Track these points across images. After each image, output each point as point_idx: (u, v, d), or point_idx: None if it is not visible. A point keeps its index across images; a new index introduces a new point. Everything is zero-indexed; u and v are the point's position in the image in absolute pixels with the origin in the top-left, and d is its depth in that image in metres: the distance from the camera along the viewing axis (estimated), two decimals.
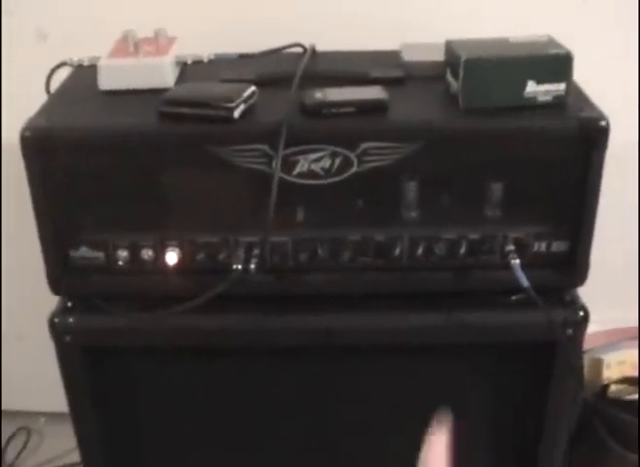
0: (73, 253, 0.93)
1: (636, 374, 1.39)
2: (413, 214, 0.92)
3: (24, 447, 1.69)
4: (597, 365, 1.45)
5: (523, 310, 0.94)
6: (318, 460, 1.09)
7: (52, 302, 0.99)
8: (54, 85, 1.01)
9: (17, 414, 1.71)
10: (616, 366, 1.42)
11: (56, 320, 0.96)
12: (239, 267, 0.90)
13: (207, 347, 0.98)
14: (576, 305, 0.97)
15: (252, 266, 0.90)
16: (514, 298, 0.95)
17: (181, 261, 0.92)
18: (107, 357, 1.00)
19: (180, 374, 1.02)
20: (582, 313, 0.96)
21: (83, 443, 1.07)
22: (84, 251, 0.93)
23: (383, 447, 1.07)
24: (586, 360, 1.38)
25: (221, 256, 0.92)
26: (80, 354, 0.97)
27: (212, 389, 1.04)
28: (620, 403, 1.37)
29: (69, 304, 0.97)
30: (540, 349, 0.98)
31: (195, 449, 1.08)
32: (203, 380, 1.03)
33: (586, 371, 1.37)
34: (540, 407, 1.02)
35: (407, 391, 1.04)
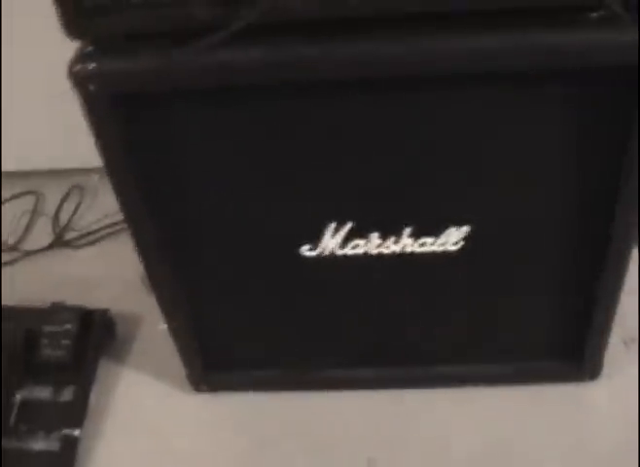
0: None
1: None
2: None
3: (78, 205, 1.68)
4: None
5: (606, 29, 0.81)
6: (374, 199, 1.01)
7: None
8: None
9: (69, 173, 1.69)
10: None
11: (77, 68, 0.86)
12: None
13: (244, 87, 0.88)
14: None
15: None
16: (594, 14, 0.81)
17: None
18: (139, 107, 0.90)
19: (220, 120, 0.92)
20: None
21: (126, 205, 1.00)
22: None
23: (441, 187, 0.99)
24: None
25: None
26: (107, 104, 0.88)
27: (254, 135, 0.94)
28: None
29: (89, 48, 0.86)
30: (623, 78, 0.85)
31: (238, 200, 1.01)
32: (242, 126, 0.93)
33: None
34: (621, 150, 0.92)
35: (472, 132, 0.93)
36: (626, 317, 1.16)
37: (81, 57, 0.86)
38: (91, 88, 0.86)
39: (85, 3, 0.82)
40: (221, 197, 1.01)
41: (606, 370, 1.23)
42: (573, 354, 1.20)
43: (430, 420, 1.23)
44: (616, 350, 1.24)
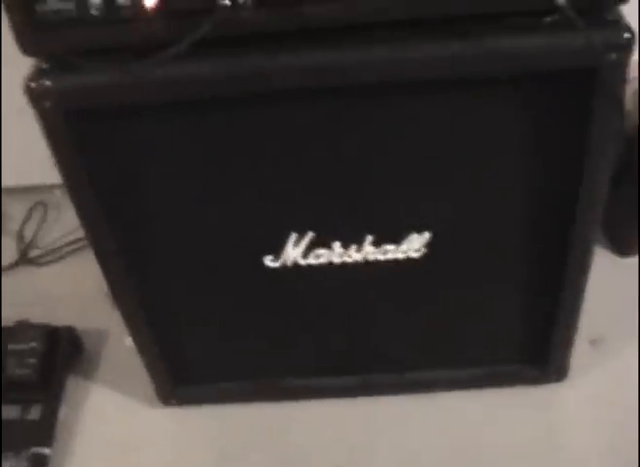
0: (39, 7, 0.81)
1: None
2: None
3: (42, 222, 1.67)
4: (637, 96, 1.34)
5: (560, 33, 0.82)
6: (335, 208, 1.02)
7: None
8: None
9: (31, 189, 1.68)
10: None
11: (33, 85, 0.85)
12: (227, 2, 0.77)
13: (202, 98, 0.88)
14: (620, 25, 0.83)
15: (241, 0, 0.77)
16: (548, 19, 0.82)
17: (160, 2, 0.80)
18: (94, 122, 0.90)
19: (176, 133, 0.93)
20: (627, 35, 0.83)
21: (86, 220, 1.00)
22: (52, 3, 0.81)
23: (400, 194, 1.00)
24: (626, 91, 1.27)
25: None
26: (63, 120, 0.87)
27: (212, 146, 0.94)
28: None
29: (44, 65, 0.86)
30: (578, 80, 0.86)
31: (199, 207, 1.01)
32: (200, 138, 0.93)
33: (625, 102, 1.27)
34: (579, 150, 0.92)
35: (429, 138, 0.94)
36: (592, 318, 1.16)
37: (36, 74, 0.86)
38: (47, 104, 0.86)
39: (38, 20, 0.81)
40: (181, 210, 1.01)
41: (573, 371, 1.24)
42: (539, 357, 1.21)
43: (399, 427, 1.23)
44: (582, 351, 1.25)
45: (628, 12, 0.85)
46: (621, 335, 1.32)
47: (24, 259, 1.59)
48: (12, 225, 1.67)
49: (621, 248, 1.46)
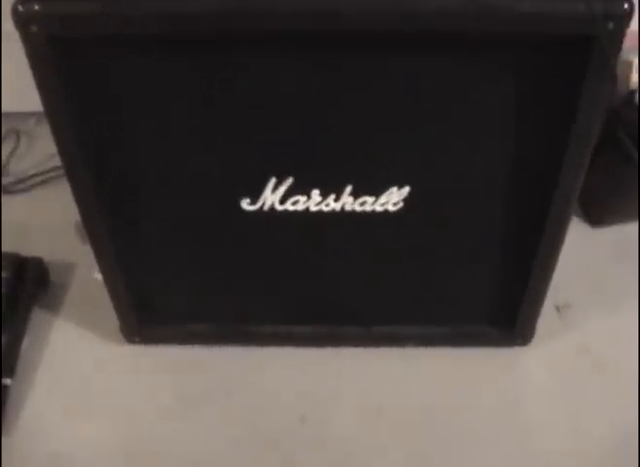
0: None
1: None
2: None
3: (14, 150, 1.64)
4: (627, 68, 1.34)
5: None
6: (316, 156, 1.01)
7: None
8: None
9: (4, 116, 1.64)
10: None
11: (20, 8, 0.83)
12: None
13: (187, 36, 0.87)
14: None
15: None
16: None
17: None
18: (80, 51, 0.88)
19: (163, 71, 0.91)
20: (626, 5, 0.82)
21: (64, 151, 0.98)
22: None
23: (383, 147, 0.99)
24: None
25: None
26: (48, 46, 0.85)
27: (195, 86, 0.93)
28: None
29: None
30: (574, 47, 0.86)
31: (177, 151, 1.00)
32: (182, 77, 0.92)
33: None
34: (566, 118, 0.92)
35: (415, 93, 0.93)
36: (560, 284, 1.17)
37: None
38: (33, 28, 0.84)
39: None
40: (160, 148, 1.00)
41: (537, 336, 1.25)
42: (506, 319, 1.22)
43: (363, 380, 1.24)
44: (548, 316, 1.27)
45: None
46: (586, 303, 1.33)
47: None
48: None
49: (593, 218, 1.47)
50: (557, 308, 1.32)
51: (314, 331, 1.25)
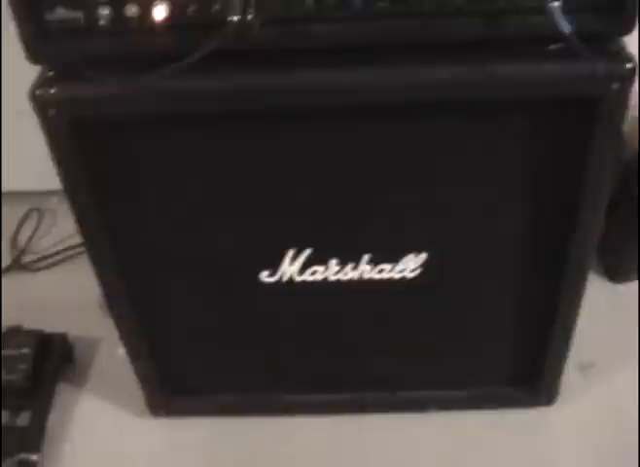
0: (49, 15, 0.81)
1: None
2: None
3: (37, 228, 1.67)
4: (635, 123, 1.35)
5: (563, 61, 0.83)
6: (333, 226, 1.02)
7: None
8: None
9: (27, 195, 1.67)
10: None
11: (38, 92, 0.86)
12: (235, 18, 0.78)
13: (205, 114, 0.89)
14: (623, 55, 0.84)
15: (250, 16, 0.78)
16: (552, 47, 0.83)
17: (170, 15, 0.80)
18: (99, 132, 0.90)
19: (179, 146, 0.93)
20: (629, 65, 0.84)
21: (84, 229, 1.00)
22: (60, 12, 0.82)
23: (399, 214, 1.00)
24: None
25: (215, 7, 0.80)
26: (67, 128, 0.88)
27: (214, 161, 0.95)
28: None
29: (50, 73, 0.87)
30: (580, 108, 0.87)
31: (198, 221, 1.01)
32: (202, 152, 0.94)
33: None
34: (577, 177, 0.93)
35: (428, 160, 0.95)
36: (583, 342, 1.17)
37: (42, 82, 0.86)
38: (52, 112, 0.87)
39: (46, 28, 0.82)
40: (180, 222, 1.01)
41: (562, 395, 1.25)
42: (529, 380, 1.21)
43: (388, 446, 1.23)
44: (572, 375, 1.26)
45: (629, 41, 0.86)
46: (610, 361, 1.32)
47: (18, 264, 1.59)
48: (6, 230, 1.67)
49: (613, 274, 1.47)
50: (581, 367, 1.31)
51: (338, 399, 1.25)
